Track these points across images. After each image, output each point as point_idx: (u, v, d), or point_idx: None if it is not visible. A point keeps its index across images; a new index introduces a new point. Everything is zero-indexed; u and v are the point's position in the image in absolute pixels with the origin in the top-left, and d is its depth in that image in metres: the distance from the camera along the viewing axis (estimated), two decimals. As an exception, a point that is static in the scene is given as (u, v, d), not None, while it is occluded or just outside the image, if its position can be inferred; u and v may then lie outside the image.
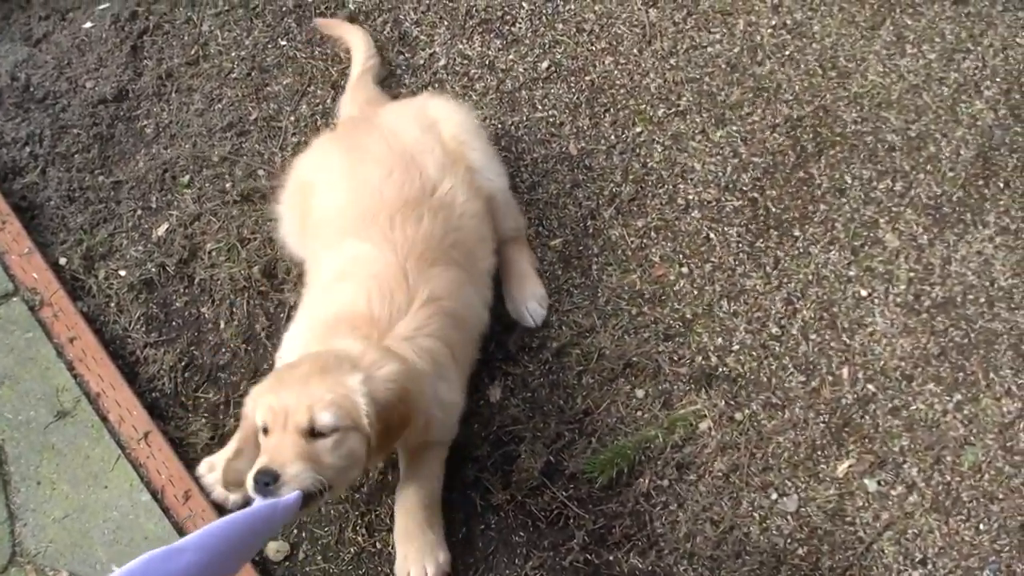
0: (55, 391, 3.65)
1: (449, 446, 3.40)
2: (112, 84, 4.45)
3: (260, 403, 2.86)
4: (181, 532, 3.35)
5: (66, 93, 4.45)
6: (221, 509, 3.38)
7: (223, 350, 3.77)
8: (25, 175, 4.21)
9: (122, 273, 3.94)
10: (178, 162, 4.22)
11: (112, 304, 3.88)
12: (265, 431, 2.84)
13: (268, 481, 2.66)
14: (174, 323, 3.84)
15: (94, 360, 3.70)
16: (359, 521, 3.42)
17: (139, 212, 4.11)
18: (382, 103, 3.99)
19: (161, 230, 4.04)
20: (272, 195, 3.95)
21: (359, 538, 3.39)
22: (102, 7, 4.72)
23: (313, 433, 2.77)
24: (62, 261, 3.98)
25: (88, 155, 4.26)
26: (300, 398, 2.77)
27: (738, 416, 3.56)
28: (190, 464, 3.49)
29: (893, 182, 4.03)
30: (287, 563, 3.37)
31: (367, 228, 3.28)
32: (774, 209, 3.98)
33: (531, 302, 3.73)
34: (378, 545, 3.37)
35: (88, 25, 4.66)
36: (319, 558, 3.37)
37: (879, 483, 3.43)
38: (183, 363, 3.75)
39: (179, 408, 3.66)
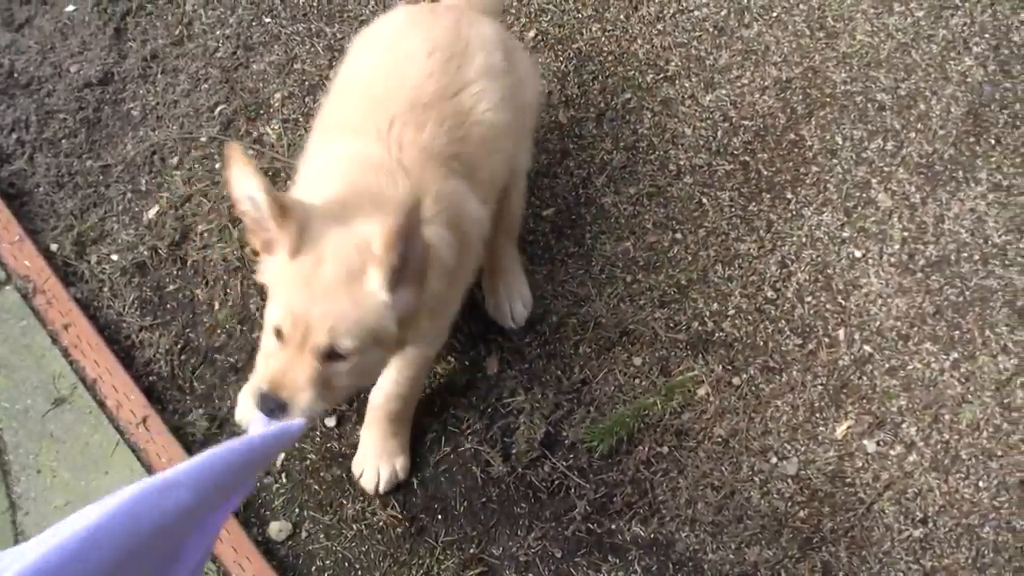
0: (51, 378, 3.64)
1: (434, 356, 3.36)
2: (97, 67, 4.42)
3: (278, 297, 2.59)
4: (183, 515, 3.35)
5: (51, 78, 4.42)
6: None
7: (218, 331, 3.76)
8: (13, 162, 4.19)
9: (114, 257, 3.93)
10: (166, 144, 4.20)
11: (105, 289, 3.86)
12: (279, 335, 2.57)
13: (273, 407, 2.49)
14: (168, 306, 3.83)
15: (89, 346, 3.69)
16: (359, 499, 3.43)
17: (129, 195, 4.09)
18: (488, 9, 3.63)
19: (152, 213, 4.02)
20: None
21: (361, 516, 3.40)
22: (84, -11, 4.70)
23: (331, 354, 2.53)
24: (53, 247, 3.96)
25: (75, 140, 4.24)
26: (324, 316, 2.49)
27: (736, 381, 3.57)
28: (189, 447, 3.48)
29: (884, 142, 4.02)
30: (290, 542, 3.38)
31: (365, 120, 2.98)
32: (766, 172, 3.98)
33: (516, 303, 3.66)
34: (380, 523, 3.37)
35: (70, 8, 4.62)
36: (322, 536, 3.37)
37: (878, 443, 3.45)
38: (179, 346, 3.74)
39: (176, 391, 3.66)
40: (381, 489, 3.40)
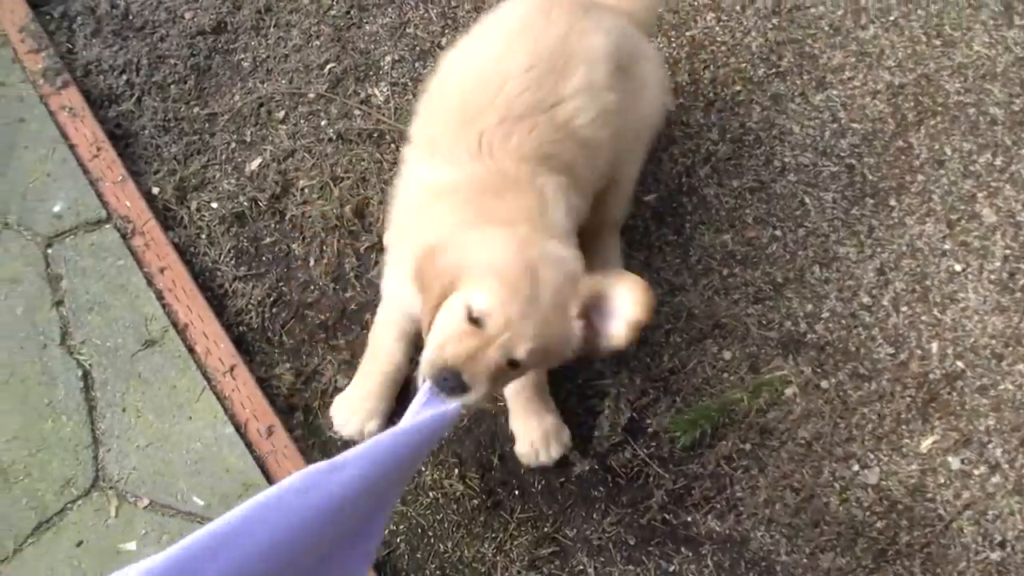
0: (144, 320, 3.67)
1: None
2: (211, 16, 4.45)
3: (495, 294, 2.61)
4: (262, 467, 3.38)
5: (165, 23, 4.45)
6: (304, 449, 3.43)
7: (311, 288, 3.79)
8: (121, 103, 4.23)
9: (214, 205, 3.96)
10: (274, 97, 4.22)
11: (203, 236, 3.90)
12: (477, 322, 2.60)
13: (454, 385, 2.52)
14: (264, 258, 3.86)
15: (183, 291, 3.72)
16: (437, 467, 3.44)
17: (233, 145, 4.12)
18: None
19: (254, 164, 4.05)
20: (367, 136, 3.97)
21: (439, 484, 3.41)
22: (205, -66, 4.73)
23: (513, 363, 2.60)
24: (155, 191, 4.00)
25: (184, 86, 4.27)
26: (534, 336, 2.58)
27: (824, 384, 3.54)
28: (273, 400, 3.52)
29: (993, 156, 3.98)
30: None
31: (455, 141, 3.03)
32: (871, 177, 3.94)
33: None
34: (457, 493, 3.39)
35: (189, -46, 4.67)
36: (398, 502, 3.39)
37: (962, 461, 3.42)
38: (271, 298, 3.77)
39: (265, 343, 3.69)
40: (552, 462, 3.40)
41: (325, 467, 2.09)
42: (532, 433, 3.37)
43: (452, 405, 2.54)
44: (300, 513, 1.97)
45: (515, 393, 3.34)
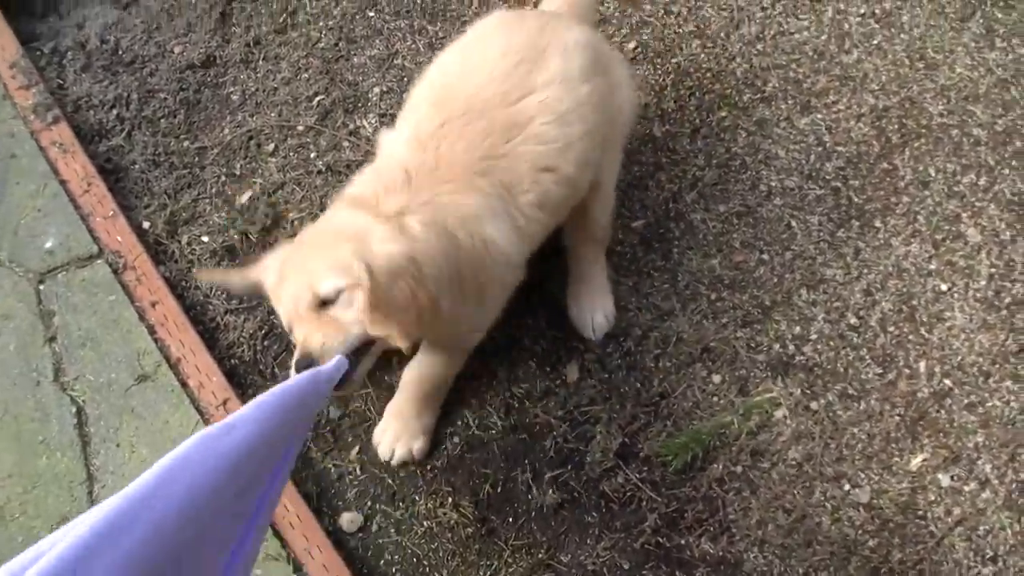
0: (136, 355, 3.70)
1: (467, 352, 3.44)
2: (200, 50, 4.50)
3: (274, 293, 2.94)
4: (258, 498, 3.40)
5: (154, 57, 4.50)
6: (298, 480, 3.46)
7: (302, 319, 3.81)
8: (111, 138, 4.27)
9: (205, 239, 3.99)
10: (263, 130, 4.26)
11: (194, 270, 3.93)
12: (290, 329, 2.89)
13: (307, 364, 2.68)
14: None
15: (175, 325, 3.75)
16: (431, 496, 3.46)
17: (223, 179, 4.16)
18: (583, 17, 3.66)
19: (244, 198, 4.08)
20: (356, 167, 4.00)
21: (432, 513, 3.43)
22: (192, -28, 4.77)
23: (325, 303, 2.77)
24: (146, 225, 4.04)
25: (174, 120, 4.32)
26: (300, 280, 2.79)
27: (814, 405, 3.56)
28: (268, 431, 3.53)
29: (977, 177, 4.00)
30: (360, 534, 3.42)
31: (421, 122, 3.12)
32: (856, 199, 3.97)
33: (598, 314, 3.67)
34: (451, 521, 3.40)
35: (178, -10, 4.72)
36: (392, 531, 3.41)
37: (952, 478, 3.43)
38: (263, 331, 3.80)
39: (257, 376, 3.72)
40: (393, 463, 3.51)
41: (215, 431, 2.11)
42: (393, 423, 3.51)
43: (329, 362, 2.69)
44: (197, 478, 1.99)
45: (406, 383, 3.46)
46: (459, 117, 3.04)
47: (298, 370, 2.70)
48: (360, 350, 2.80)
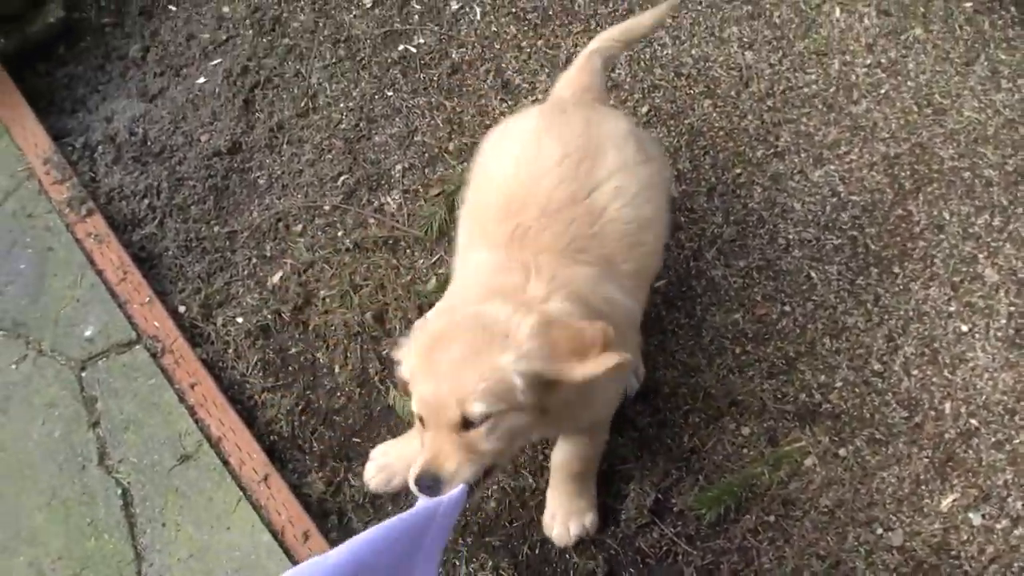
0: (178, 435, 3.77)
1: (607, 426, 3.39)
2: (226, 137, 4.60)
3: (415, 391, 2.78)
4: (302, 571, 3.46)
5: (182, 147, 4.61)
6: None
7: (338, 394, 3.89)
8: (144, 226, 4.37)
9: (239, 320, 4.08)
10: (291, 212, 4.35)
11: (230, 350, 4.01)
12: (421, 421, 2.78)
13: (430, 484, 2.65)
14: (290, 368, 3.96)
15: (214, 405, 3.83)
16: (471, 560, 3.51)
17: (254, 261, 4.25)
18: (599, 98, 3.74)
19: (276, 278, 4.17)
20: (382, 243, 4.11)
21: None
22: (214, 63, 4.88)
23: (467, 423, 2.68)
24: (181, 309, 4.12)
25: (204, 206, 4.41)
26: (451, 392, 2.66)
27: (842, 452, 3.60)
28: (308, 506, 3.60)
29: (991, 217, 4.06)
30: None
31: (495, 231, 3.12)
32: (873, 247, 4.02)
33: (630, 376, 3.67)
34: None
35: (201, 80, 4.82)
36: (436, 594, 3.46)
37: (983, 517, 3.46)
38: (299, 407, 3.87)
39: (296, 451, 3.78)
40: (571, 544, 3.48)
41: (309, 565, 2.16)
42: (558, 508, 3.45)
43: (452, 493, 2.66)
44: None
45: (557, 467, 3.41)
46: (535, 221, 3.08)
47: (419, 486, 2.69)
48: (482, 476, 2.77)
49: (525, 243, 3.05)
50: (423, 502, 2.68)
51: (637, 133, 3.44)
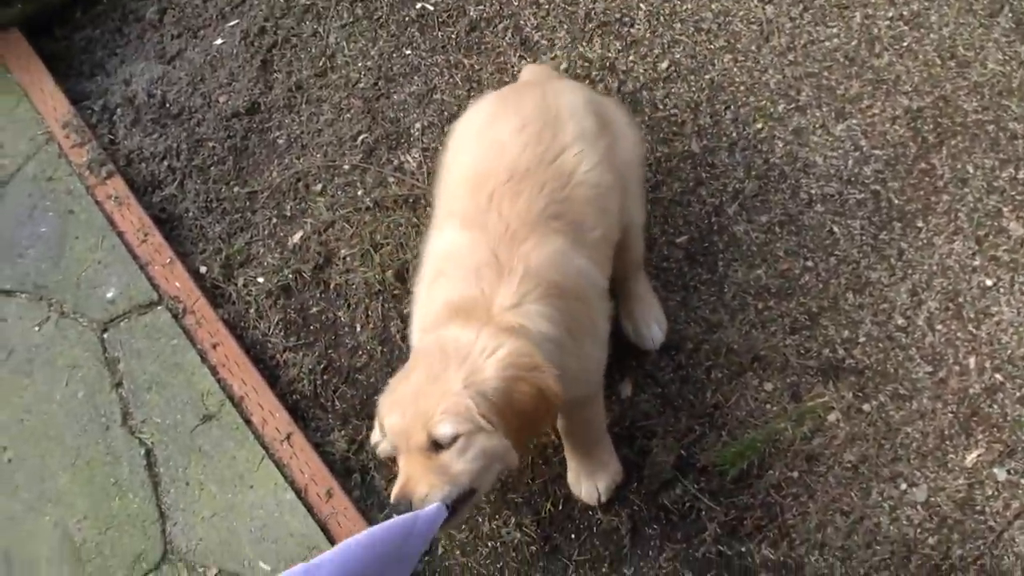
0: (200, 395, 3.80)
1: (601, 389, 3.38)
2: (244, 98, 4.60)
3: (385, 425, 2.86)
4: (324, 529, 3.49)
5: (200, 108, 4.61)
6: (363, 509, 3.55)
7: (360, 352, 3.90)
8: (164, 188, 4.38)
9: (260, 280, 4.09)
10: (310, 171, 4.35)
11: (252, 310, 4.02)
12: (395, 452, 2.89)
13: (404, 508, 2.68)
14: (311, 327, 3.97)
15: (236, 365, 3.85)
16: (494, 517, 3.53)
17: (274, 221, 4.26)
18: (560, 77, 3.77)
19: (296, 237, 4.18)
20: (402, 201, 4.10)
21: (496, 534, 3.50)
22: (231, 24, 4.89)
23: (437, 446, 2.72)
24: (202, 270, 4.14)
25: (223, 167, 4.42)
26: (415, 417, 2.73)
27: (866, 407, 3.59)
28: (331, 464, 3.63)
29: (1016, 170, 4.02)
30: (426, 557, 3.48)
31: (467, 203, 3.14)
32: (896, 201, 4.00)
33: (653, 326, 3.71)
34: (514, 541, 3.47)
35: (219, 42, 4.83)
36: (457, 553, 3.48)
37: (1008, 472, 3.44)
38: (321, 366, 3.88)
39: (319, 409, 3.80)
40: (603, 500, 3.48)
41: (300, 570, 2.17)
42: (581, 468, 3.46)
43: (428, 508, 2.67)
44: None
45: (566, 434, 3.42)
46: (505, 183, 3.09)
47: (395, 511, 2.71)
48: (462, 498, 2.77)
49: (502, 210, 3.06)
50: (399, 517, 2.67)
51: (595, 102, 3.47)
